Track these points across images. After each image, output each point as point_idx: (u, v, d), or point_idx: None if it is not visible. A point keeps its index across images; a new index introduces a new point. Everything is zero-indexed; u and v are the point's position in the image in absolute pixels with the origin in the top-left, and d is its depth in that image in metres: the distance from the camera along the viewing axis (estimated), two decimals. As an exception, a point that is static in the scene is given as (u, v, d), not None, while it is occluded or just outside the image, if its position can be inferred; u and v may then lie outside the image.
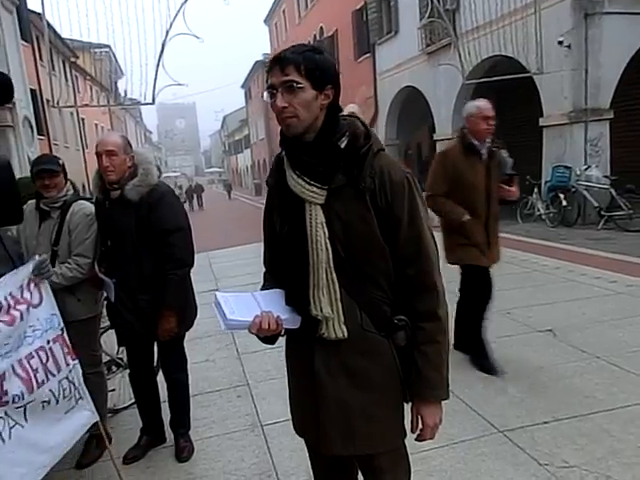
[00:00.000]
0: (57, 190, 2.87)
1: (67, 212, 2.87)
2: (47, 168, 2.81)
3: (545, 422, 3.00)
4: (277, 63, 1.39)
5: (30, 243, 2.90)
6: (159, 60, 9.17)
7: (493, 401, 3.30)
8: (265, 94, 1.43)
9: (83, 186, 19.85)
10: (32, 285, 2.44)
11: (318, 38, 22.90)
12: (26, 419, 2.24)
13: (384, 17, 16.43)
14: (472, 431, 2.97)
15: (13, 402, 2.17)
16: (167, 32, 9.15)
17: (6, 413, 2.16)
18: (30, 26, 16.74)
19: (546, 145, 10.99)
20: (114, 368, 3.71)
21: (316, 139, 1.44)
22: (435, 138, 14.55)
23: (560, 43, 10.12)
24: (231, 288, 1.83)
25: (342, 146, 1.45)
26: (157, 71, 9.21)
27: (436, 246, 1.54)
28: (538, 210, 11.08)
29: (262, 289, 1.67)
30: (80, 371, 2.58)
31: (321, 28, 22.53)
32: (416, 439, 1.57)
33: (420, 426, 1.54)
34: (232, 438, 3.14)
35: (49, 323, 2.46)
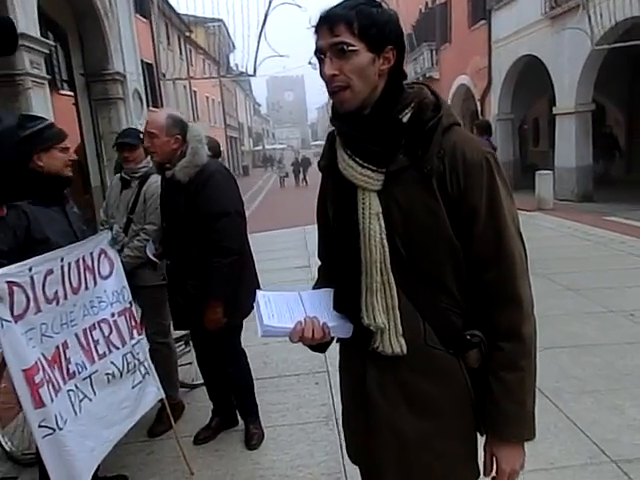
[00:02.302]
0: (135, 162, 3.00)
1: (145, 183, 2.98)
2: (126, 141, 2.97)
3: (672, 455, 2.49)
4: (325, 22, 1.14)
5: (113, 210, 3.08)
6: (261, 31, 9.16)
7: (606, 422, 2.80)
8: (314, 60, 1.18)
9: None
10: (103, 256, 2.47)
11: (430, 5, 21.81)
12: (94, 392, 2.26)
13: (503, -22, 15.11)
14: (577, 456, 2.54)
15: (79, 373, 2.20)
16: (270, 2, 9.07)
17: (76, 386, 2.19)
18: (149, 3, 17.65)
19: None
20: (192, 342, 3.67)
21: (372, 112, 1.17)
22: (555, 112, 13.22)
23: None
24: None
25: (404, 120, 1.17)
26: (259, 43, 9.22)
27: (524, 246, 1.21)
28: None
29: (315, 287, 1.43)
30: (146, 347, 2.58)
31: (434, -6, 21.40)
32: None
33: (495, 469, 1.24)
34: (304, 429, 2.98)
35: (116, 296, 2.48)
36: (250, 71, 10.19)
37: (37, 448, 2.07)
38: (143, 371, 2.53)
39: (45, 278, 2.09)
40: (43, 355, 2.04)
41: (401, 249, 1.20)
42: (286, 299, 1.31)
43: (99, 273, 2.41)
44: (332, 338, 1.33)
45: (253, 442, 2.84)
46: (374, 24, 1.12)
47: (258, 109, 78.18)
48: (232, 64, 29.11)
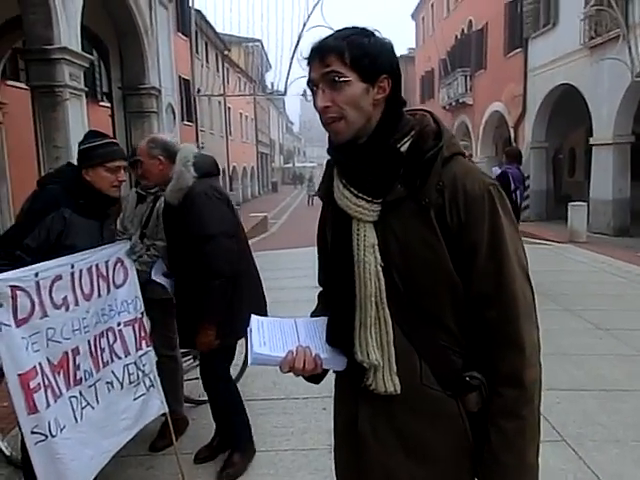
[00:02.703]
0: None
1: (158, 199, 2.97)
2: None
3: None
4: (316, 53, 1.12)
5: (127, 222, 3.10)
6: (294, 52, 9.27)
7: (631, 476, 2.59)
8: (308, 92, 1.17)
9: (223, 171, 21.02)
10: (119, 265, 2.47)
11: (466, 32, 21.86)
12: (97, 400, 2.24)
13: (542, 8, 15.02)
14: (599, 511, 2.35)
15: (85, 380, 2.19)
16: (304, 24, 9.20)
17: (80, 393, 2.17)
18: (190, 22, 18.16)
19: None
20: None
21: (369, 140, 1.13)
22: (592, 142, 12.95)
23: None
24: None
25: (403, 149, 1.12)
26: (291, 63, 9.32)
27: (530, 286, 1.13)
28: None
29: (313, 313, 1.36)
30: (154, 359, 2.55)
31: (469, 22, 21.45)
32: None
33: None
34: (307, 456, 2.87)
35: (125, 306, 2.46)
36: (282, 90, 10.31)
37: (22, 453, 2.07)
38: (148, 383, 2.49)
39: (53, 283, 2.08)
40: (48, 360, 2.03)
41: (398, 283, 1.13)
42: (281, 326, 1.26)
43: (113, 281, 2.41)
44: (326, 370, 1.26)
45: (225, 472, 2.70)
46: (366, 54, 1.10)
47: (291, 127, 79.33)
48: (267, 82, 29.71)
